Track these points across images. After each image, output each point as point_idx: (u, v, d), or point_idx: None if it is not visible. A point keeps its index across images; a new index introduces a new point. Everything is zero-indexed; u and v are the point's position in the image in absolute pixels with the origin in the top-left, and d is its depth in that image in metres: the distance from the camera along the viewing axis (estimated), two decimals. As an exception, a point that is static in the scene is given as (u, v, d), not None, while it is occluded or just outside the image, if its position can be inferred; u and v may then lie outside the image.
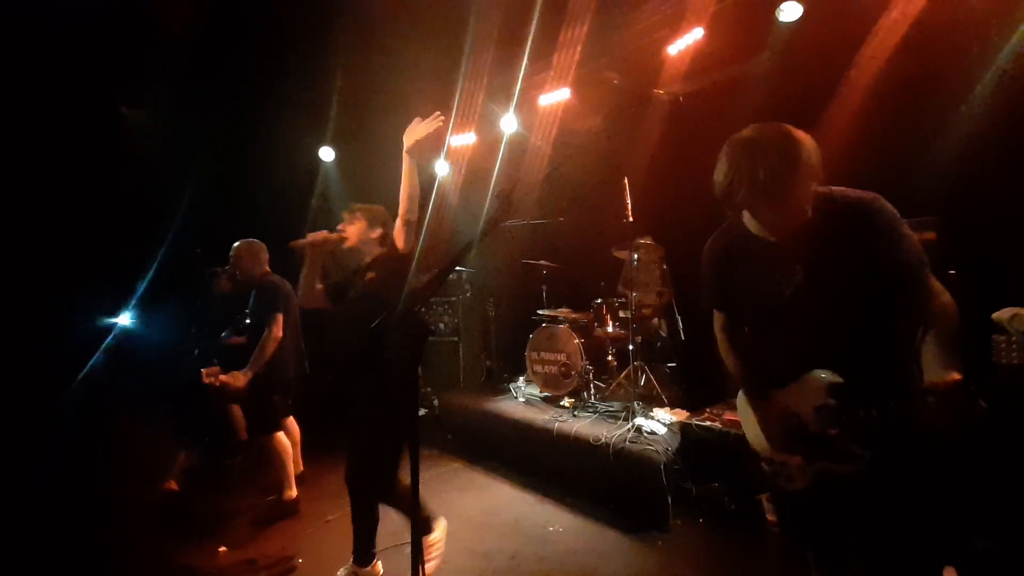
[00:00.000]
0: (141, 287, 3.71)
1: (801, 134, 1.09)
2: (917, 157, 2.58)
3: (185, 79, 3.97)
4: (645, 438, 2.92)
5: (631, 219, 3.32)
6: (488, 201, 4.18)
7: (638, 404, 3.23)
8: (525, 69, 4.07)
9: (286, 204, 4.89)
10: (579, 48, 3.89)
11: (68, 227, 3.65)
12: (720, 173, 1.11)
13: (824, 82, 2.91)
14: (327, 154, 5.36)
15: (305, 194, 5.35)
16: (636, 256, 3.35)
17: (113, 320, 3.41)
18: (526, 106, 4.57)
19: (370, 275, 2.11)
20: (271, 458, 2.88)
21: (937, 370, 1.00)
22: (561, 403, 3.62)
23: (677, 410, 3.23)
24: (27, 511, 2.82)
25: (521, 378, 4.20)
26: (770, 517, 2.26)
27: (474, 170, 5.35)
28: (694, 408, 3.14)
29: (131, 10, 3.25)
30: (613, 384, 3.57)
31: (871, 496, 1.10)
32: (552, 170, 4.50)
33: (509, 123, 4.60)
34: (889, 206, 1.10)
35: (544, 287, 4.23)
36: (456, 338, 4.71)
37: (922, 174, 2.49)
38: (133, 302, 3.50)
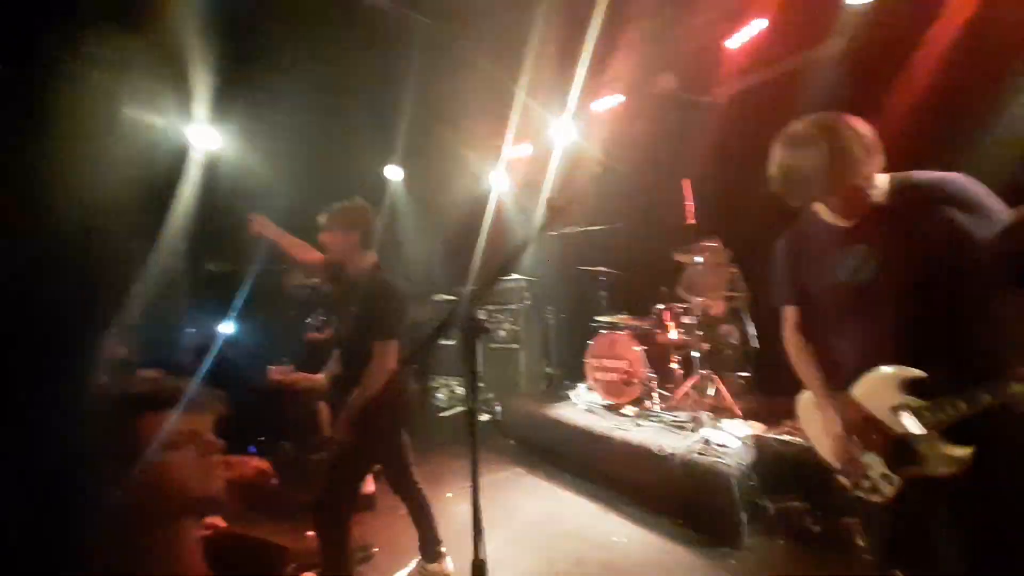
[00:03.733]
0: (239, 300, 4.16)
1: (850, 122, 1.08)
2: (993, 145, 2.29)
3: (265, 104, 4.45)
4: (715, 450, 2.78)
5: (693, 221, 3.22)
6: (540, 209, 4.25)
7: (706, 415, 3.09)
8: (579, 76, 4.11)
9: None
10: (634, 51, 3.86)
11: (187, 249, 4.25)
12: (771, 167, 1.13)
13: (895, 67, 2.67)
14: (394, 173, 5.71)
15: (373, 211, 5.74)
16: (700, 260, 3.23)
17: (218, 329, 3.88)
18: (581, 113, 4.60)
19: (352, 309, 2.03)
20: None
21: None
22: (623, 411, 3.54)
23: (752, 422, 3.04)
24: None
25: (581, 385, 4.17)
26: (860, 542, 2.06)
27: (531, 181, 5.46)
28: (770, 420, 2.95)
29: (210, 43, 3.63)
30: (679, 393, 3.44)
31: (972, 503, 0.98)
32: (608, 175, 4.48)
33: (564, 131, 4.65)
34: (976, 182, 1.03)
35: (603, 294, 4.19)
36: (516, 345, 4.78)
37: (999, 162, 2.20)
38: (233, 313, 3.95)
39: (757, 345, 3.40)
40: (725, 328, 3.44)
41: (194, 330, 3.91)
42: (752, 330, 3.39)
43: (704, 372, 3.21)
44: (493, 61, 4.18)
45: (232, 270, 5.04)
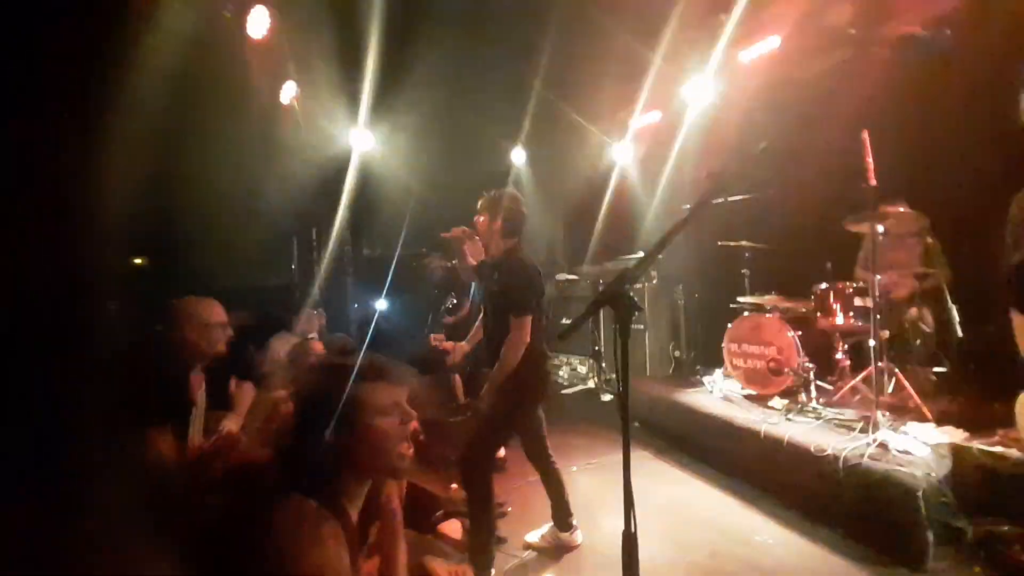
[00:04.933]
0: (387, 280, 4.72)
1: None
2: None
3: (404, 103, 4.86)
4: (894, 456, 2.34)
5: (874, 183, 2.64)
6: (697, 181, 3.92)
7: (883, 414, 2.59)
8: (732, 20, 3.62)
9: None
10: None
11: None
12: None
13: None
14: (518, 156, 5.83)
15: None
16: (882, 229, 2.66)
17: (374, 305, 4.48)
18: (723, 67, 4.09)
19: (492, 288, 2.19)
20: None
21: None
22: (770, 403, 3.17)
23: (947, 428, 2.48)
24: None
25: (717, 371, 3.84)
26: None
27: (659, 149, 5.08)
28: (974, 427, 2.39)
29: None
30: (844, 388, 2.94)
31: None
32: (755, 135, 3.92)
33: (702, 90, 4.19)
34: None
35: (746, 272, 3.75)
36: (641, 326, 4.58)
37: None
38: (384, 291, 4.51)
39: (960, 334, 2.72)
40: (914, 312, 2.81)
41: (356, 305, 4.56)
42: (955, 315, 2.72)
43: (882, 364, 2.69)
44: (624, 23, 3.93)
45: (381, 254, 5.74)
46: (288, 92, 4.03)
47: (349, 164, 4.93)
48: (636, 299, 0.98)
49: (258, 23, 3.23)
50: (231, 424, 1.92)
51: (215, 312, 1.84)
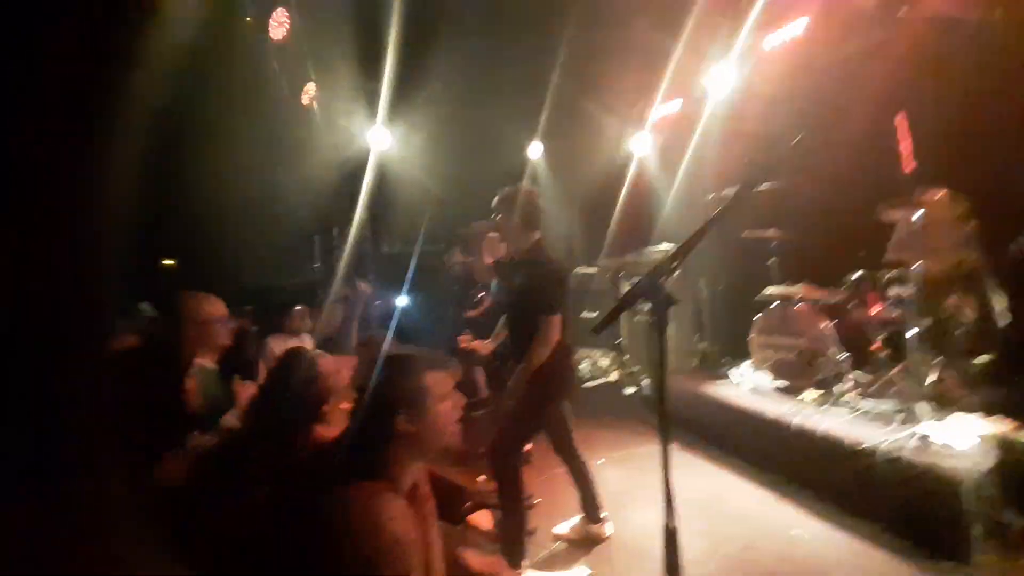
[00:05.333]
0: (409, 275, 4.75)
1: None
2: None
3: (422, 100, 4.88)
4: (936, 449, 2.27)
5: (910, 168, 2.55)
6: (720, 171, 3.84)
7: (924, 406, 2.51)
8: (751, 6, 3.52)
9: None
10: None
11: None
12: None
13: None
14: (535, 150, 5.79)
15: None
16: (919, 215, 2.57)
17: (395, 302, 4.51)
18: (747, 53, 3.98)
19: (512, 283, 2.20)
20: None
21: None
22: (801, 396, 3.10)
23: (993, 419, 2.39)
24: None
25: (745, 363, 3.77)
26: None
27: (679, 139, 4.99)
28: (1021, 417, 2.29)
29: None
30: (882, 379, 2.86)
31: None
32: (781, 122, 3.81)
33: (725, 77, 4.10)
34: None
35: (773, 261, 3.66)
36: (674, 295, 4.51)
37: None
38: (406, 287, 4.55)
39: (1005, 321, 2.61)
40: (954, 300, 2.71)
41: (379, 302, 4.60)
42: (998, 302, 2.61)
43: (921, 354, 2.60)
44: (643, 11, 3.87)
45: (402, 252, 5.79)
46: (307, 93, 4.07)
47: (367, 162, 4.98)
48: (672, 293, 0.97)
49: (279, 26, 3.27)
50: (232, 420, 1.96)
51: (215, 308, 1.89)
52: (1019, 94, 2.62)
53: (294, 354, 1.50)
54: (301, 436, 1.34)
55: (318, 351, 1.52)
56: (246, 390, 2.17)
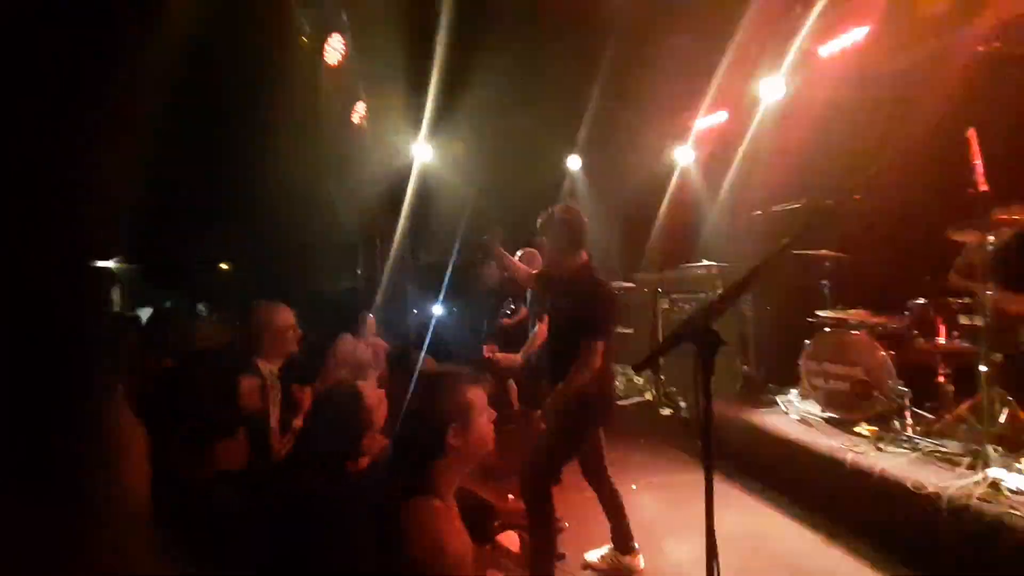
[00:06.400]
0: (444, 286, 4.84)
1: None
2: None
3: (464, 113, 4.98)
4: (1008, 497, 2.05)
5: (983, 188, 2.34)
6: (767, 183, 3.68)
7: (994, 449, 2.28)
8: (807, 15, 3.38)
9: (539, 212, 5.60)
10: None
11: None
12: None
13: None
14: (574, 162, 5.78)
15: (554, 202, 5.98)
16: (993, 238, 2.36)
17: (431, 311, 4.61)
18: (800, 63, 3.82)
19: (565, 306, 2.16)
20: (535, 427, 3.33)
21: None
22: (856, 429, 2.89)
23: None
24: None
25: (793, 391, 3.57)
26: None
27: (725, 151, 4.83)
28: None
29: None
30: (948, 416, 2.62)
31: None
32: (835, 135, 3.60)
33: (775, 88, 3.94)
34: None
35: (826, 283, 3.45)
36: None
37: None
38: (441, 297, 4.64)
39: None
40: (1033, 334, 2.45)
41: (416, 311, 4.72)
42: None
43: (992, 391, 2.37)
44: (689, 22, 3.80)
45: (439, 261, 5.91)
46: (357, 112, 4.26)
47: (410, 175, 5.14)
48: (720, 334, 0.93)
49: (334, 50, 3.45)
50: (297, 422, 2.05)
51: (285, 316, 2.00)
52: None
53: (339, 391, 1.53)
54: (340, 467, 1.38)
55: (360, 382, 1.55)
56: (305, 395, 2.28)
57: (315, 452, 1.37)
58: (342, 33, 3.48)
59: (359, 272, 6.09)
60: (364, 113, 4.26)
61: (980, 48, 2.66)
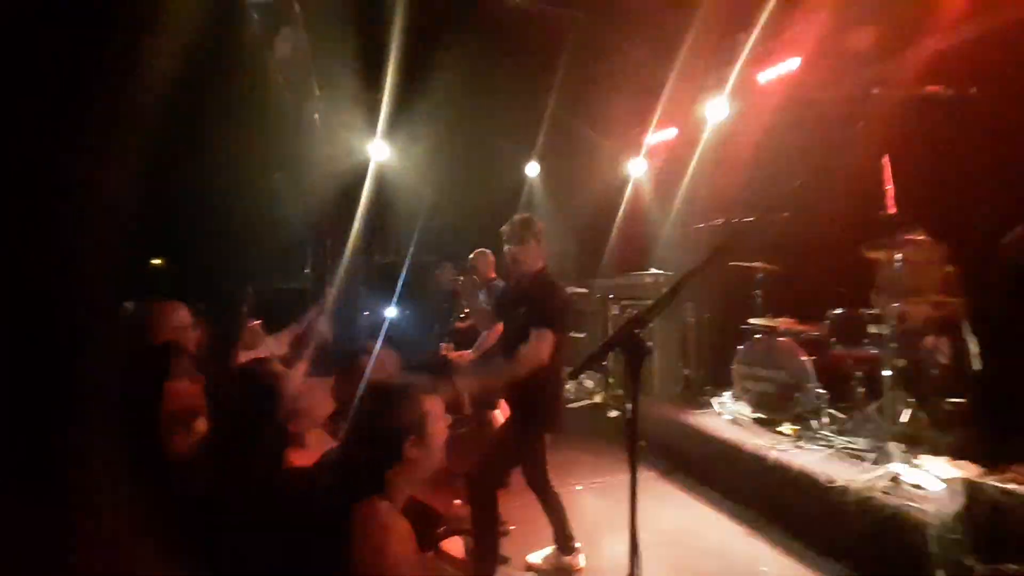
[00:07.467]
0: (398, 288, 4.78)
1: None
2: None
3: (419, 114, 4.93)
4: (906, 490, 2.29)
5: (892, 210, 2.62)
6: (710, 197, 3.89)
7: (896, 446, 2.54)
8: (745, 41, 3.62)
9: (495, 217, 5.63)
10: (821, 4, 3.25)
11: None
12: None
13: None
14: (532, 169, 5.86)
15: (511, 208, 6.03)
16: (900, 257, 2.63)
17: (384, 312, 4.52)
18: (741, 87, 4.08)
19: (520, 309, 2.20)
20: (487, 430, 3.35)
21: None
22: (779, 428, 3.13)
23: (961, 462, 2.42)
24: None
25: (726, 394, 3.80)
26: None
27: (675, 164, 5.07)
28: (989, 462, 2.32)
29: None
30: (858, 416, 2.89)
31: None
32: (772, 156, 3.89)
33: (719, 109, 4.19)
34: None
35: (758, 293, 3.71)
36: (650, 343, 4.53)
37: None
38: (394, 299, 4.56)
39: (979, 365, 2.66)
40: (930, 341, 2.76)
41: (367, 312, 4.61)
42: (973, 346, 2.66)
43: (896, 393, 2.64)
44: (641, 40, 3.96)
45: (393, 262, 5.81)
46: (310, 107, 4.12)
47: (365, 173, 5.02)
48: (648, 343, 0.99)
49: (284, 43, 3.32)
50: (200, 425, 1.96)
51: (181, 316, 1.90)
52: (1004, 147, 2.70)
53: (249, 371, 1.46)
54: (267, 456, 1.31)
55: (283, 369, 1.48)
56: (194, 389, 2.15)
57: (234, 436, 1.28)
58: (294, 25, 3.36)
59: (306, 271, 5.87)
60: (317, 108, 4.13)
61: (900, 91, 2.96)
